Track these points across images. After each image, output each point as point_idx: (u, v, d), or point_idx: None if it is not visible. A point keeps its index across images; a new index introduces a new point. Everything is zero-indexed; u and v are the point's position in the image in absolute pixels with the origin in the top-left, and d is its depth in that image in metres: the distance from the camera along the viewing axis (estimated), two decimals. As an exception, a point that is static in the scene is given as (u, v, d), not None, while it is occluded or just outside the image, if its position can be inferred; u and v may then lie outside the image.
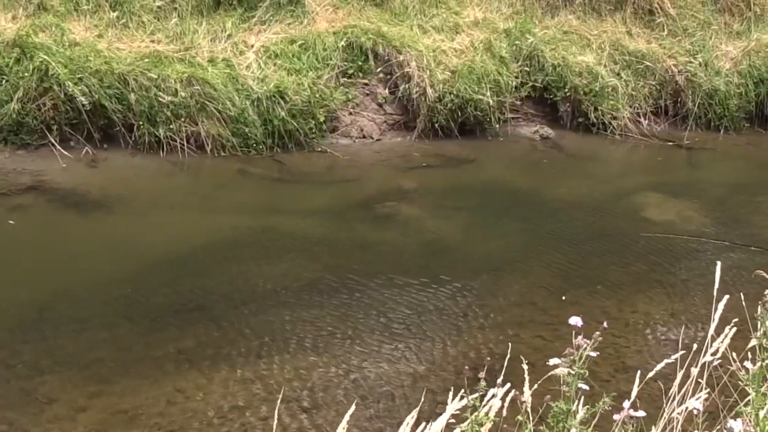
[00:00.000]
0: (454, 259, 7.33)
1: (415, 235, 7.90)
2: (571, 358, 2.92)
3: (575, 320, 2.99)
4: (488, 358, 5.01)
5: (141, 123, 9.27)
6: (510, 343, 5.65)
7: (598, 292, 6.81)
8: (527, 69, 11.40)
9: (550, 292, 6.78)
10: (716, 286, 3.37)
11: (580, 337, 2.93)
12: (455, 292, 6.62)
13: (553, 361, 2.96)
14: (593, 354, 3.01)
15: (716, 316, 3.22)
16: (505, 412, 2.86)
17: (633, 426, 3.05)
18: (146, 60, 9.52)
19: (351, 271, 6.88)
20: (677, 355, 3.18)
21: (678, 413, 3.06)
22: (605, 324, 3.04)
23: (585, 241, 8.01)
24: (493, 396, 2.78)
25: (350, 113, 10.61)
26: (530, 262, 7.40)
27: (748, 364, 3.22)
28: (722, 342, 3.15)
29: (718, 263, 3.45)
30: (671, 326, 6.31)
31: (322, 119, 10.11)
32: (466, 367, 5.17)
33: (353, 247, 7.47)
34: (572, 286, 6.91)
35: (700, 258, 7.77)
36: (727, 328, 3.20)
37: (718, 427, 3.31)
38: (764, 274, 3.75)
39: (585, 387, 2.98)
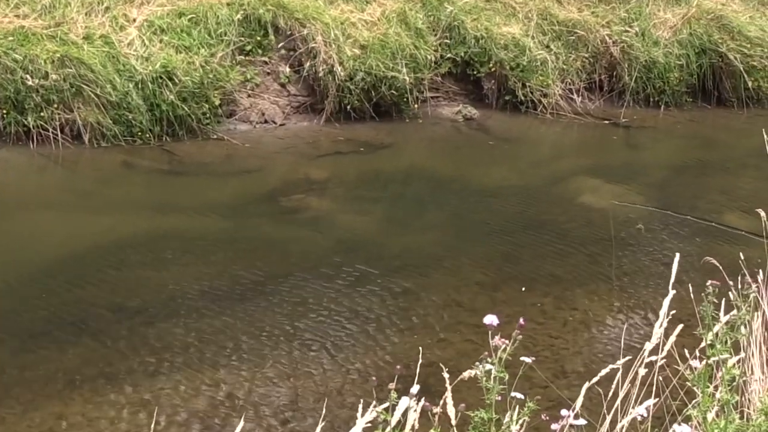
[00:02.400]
0: (371, 258, 7.35)
1: (326, 232, 7.91)
2: (490, 361, 2.94)
3: (490, 319, 3.00)
4: (410, 367, 5.01)
5: (6, 111, 9.08)
6: (436, 350, 5.74)
7: (534, 288, 6.89)
8: (447, 42, 11.47)
9: (480, 290, 6.84)
10: (672, 279, 3.41)
11: (497, 338, 2.95)
12: (373, 294, 6.65)
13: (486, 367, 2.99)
14: (528, 359, 3.05)
15: (663, 313, 3.31)
16: (424, 426, 2.86)
17: (574, 435, 3.10)
18: (10, 38, 9.29)
19: (254, 274, 6.86)
20: (621, 362, 3.23)
21: (623, 424, 3.11)
22: (522, 321, 3.05)
23: (517, 232, 8.11)
24: (407, 408, 2.74)
25: (249, 95, 10.54)
26: (457, 257, 7.45)
27: (695, 362, 3.25)
28: (661, 338, 3.21)
29: (677, 255, 3.51)
30: (614, 324, 6.42)
31: (217, 102, 10.04)
32: (373, 378, 5.21)
33: (256, 247, 7.44)
34: (504, 282, 6.98)
35: (643, 247, 7.90)
36: (664, 323, 3.25)
37: (665, 434, 3.37)
38: (713, 261, 3.84)
39: (518, 395, 3.00)
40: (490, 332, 2.98)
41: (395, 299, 6.61)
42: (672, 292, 3.31)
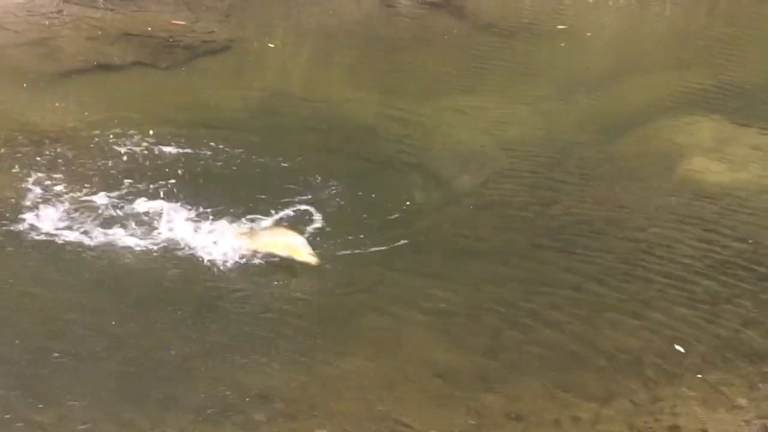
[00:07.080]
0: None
1: (78, 273, 7.51)
2: None
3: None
4: None
5: None
6: None
7: (576, 387, 6.69)
8: None
9: (444, 397, 6.65)
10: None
11: None
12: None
13: None
14: None
15: None
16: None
17: None
18: None
19: None
20: None
21: None
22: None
23: (530, 259, 8.17)
24: None
25: None
26: (394, 325, 7.21)
27: None
28: None
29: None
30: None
31: None
32: None
33: None
34: (503, 379, 6.82)
35: None
36: None
37: None
38: None
39: None
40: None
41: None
42: None
